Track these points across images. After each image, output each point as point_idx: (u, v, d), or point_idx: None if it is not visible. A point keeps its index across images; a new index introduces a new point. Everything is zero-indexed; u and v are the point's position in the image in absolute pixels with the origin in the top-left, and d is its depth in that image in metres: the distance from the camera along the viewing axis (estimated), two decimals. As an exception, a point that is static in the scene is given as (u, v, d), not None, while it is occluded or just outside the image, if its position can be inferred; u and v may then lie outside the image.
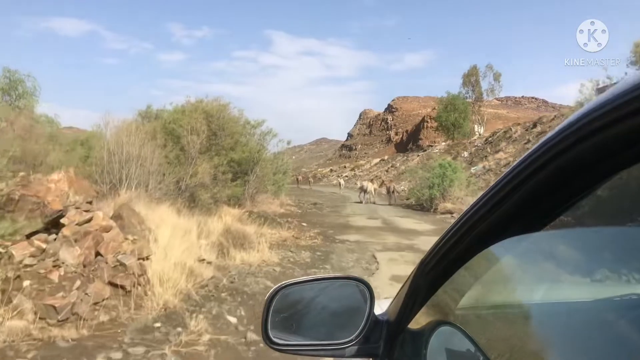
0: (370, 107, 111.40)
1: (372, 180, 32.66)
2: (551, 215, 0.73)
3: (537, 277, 0.98)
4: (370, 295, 1.17)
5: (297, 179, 46.27)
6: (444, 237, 0.95)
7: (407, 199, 28.48)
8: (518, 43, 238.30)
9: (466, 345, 0.95)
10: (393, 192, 25.23)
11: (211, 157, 16.29)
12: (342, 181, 40.33)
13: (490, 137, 35.53)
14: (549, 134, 0.66)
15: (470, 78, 49.27)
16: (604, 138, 0.56)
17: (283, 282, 1.21)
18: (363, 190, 25.69)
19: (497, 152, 29.56)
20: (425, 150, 47.00)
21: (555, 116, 29.30)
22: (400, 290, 1.18)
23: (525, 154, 0.71)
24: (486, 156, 30.29)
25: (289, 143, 18.56)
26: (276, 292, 1.17)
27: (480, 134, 46.07)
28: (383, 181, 31.38)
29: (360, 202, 25.46)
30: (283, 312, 1.19)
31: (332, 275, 1.52)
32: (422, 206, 22.42)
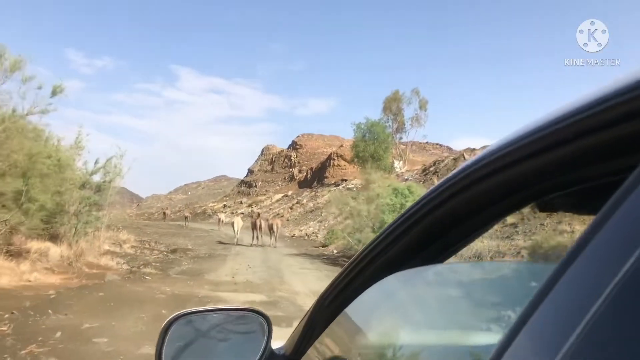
0: (274, 143, 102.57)
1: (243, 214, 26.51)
2: (451, 249, 0.74)
3: (427, 314, 0.95)
4: (268, 328, 1.11)
5: (164, 213, 39.23)
6: (344, 271, 0.93)
7: (324, 246, 19.56)
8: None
9: None
10: (276, 230, 19.08)
11: None
12: (222, 217, 30.17)
13: (431, 166, 27.90)
14: (453, 172, 0.66)
15: (392, 105, 41.85)
16: (506, 176, 0.57)
17: (180, 312, 1.11)
18: (233, 227, 19.98)
19: (451, 182, 21.75)
20: (339, 186, 38.42)
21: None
22: (299, 324, 1.13)
23: (430, 188, 0.70)
24: (433, 189, 22.28)
25: (56, 92, 8.34)
26: (172, 321, 1.08)
27: (400, 170, 38.80)
28: (259, 214, 23.10)
29: (250, 246, 18.04)
30: (179, 342, 1.10)
31: (230, 306, 1.41)
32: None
